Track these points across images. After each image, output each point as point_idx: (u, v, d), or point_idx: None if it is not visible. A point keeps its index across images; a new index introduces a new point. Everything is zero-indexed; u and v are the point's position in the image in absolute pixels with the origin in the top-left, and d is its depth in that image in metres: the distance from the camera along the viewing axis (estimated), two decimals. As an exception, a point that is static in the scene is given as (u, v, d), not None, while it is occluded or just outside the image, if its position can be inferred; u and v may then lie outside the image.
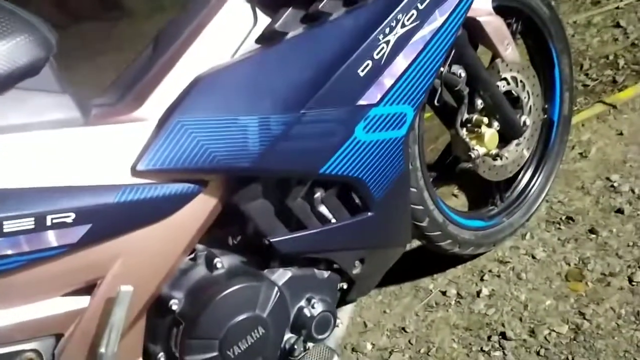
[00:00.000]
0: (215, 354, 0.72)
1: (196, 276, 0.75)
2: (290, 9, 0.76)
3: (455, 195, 1.45)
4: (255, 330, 0.75)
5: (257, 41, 0.76)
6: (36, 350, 0.62)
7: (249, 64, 0.73)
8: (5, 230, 0.55)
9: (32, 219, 0.57)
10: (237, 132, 0.70)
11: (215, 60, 0.73)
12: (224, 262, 0.76)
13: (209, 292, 0.73)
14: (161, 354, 0.73)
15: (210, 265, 0.76)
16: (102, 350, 0.63)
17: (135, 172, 0.65)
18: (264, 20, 0.76)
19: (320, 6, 0.75)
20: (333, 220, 0.82)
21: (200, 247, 0.78)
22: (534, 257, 1.22)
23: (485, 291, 1.17)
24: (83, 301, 0.65)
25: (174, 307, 0.72)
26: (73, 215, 0.59)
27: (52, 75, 0.64)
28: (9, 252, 0.56)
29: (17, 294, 0.60)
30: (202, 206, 0.72)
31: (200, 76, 0.70)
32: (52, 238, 0.59)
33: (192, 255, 0.77)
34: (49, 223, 0.58)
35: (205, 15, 0.75)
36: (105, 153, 0.64)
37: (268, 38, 0.75)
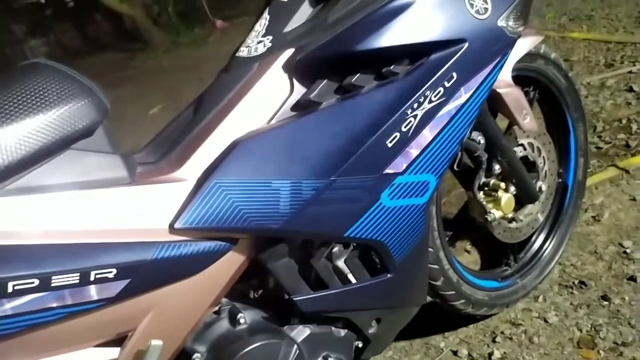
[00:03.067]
0: (234, 410, 0.74)
1: (220, 330, 0.78)
2: (325, 81, 0.81)
3: (468, 252, 1.47)
4: (275, 387, 0.77)
5: (293, 109, 0.80)
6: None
7: (285, 130, 0.77)
8: (52, 285, 0.59)
9: (78, 274, 0.60)
10: (269, 195, 0.73)
11: (252, 125, 0.78)
12: (246, 317, 0.79)
13: (232, 348, 0.75)
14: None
15: (234, 320, 0.78)
16: (129, 401, 0.65)
17: (172, 229, 0.68)
18: (299, 90, 0.82)
19: (353, 80, 0.81)
20: (353, 281, 0.85)
21: (224, 300, 0.80)
22: (546, 321, 1.23)
23: (497, 354, 1.17)
24: (113, 352, 0.67)
25: (195, 363, 0.74)
26: (115, 271, 0.63)
27: (104, 136, 0.69)
28: (54, 304, 0.60)
29: (54, 344, 0.63)
30: (231, 263, 0.75)
31: (238, 140, 0.75)
32: (93, 292, 0.62)
33: (216, 309, 0.79)
34: (92, 278, 0.61)
35: (246, 83, 0.81)
36: (147, 211, 0.68)
37: (303, 107, 0.80)
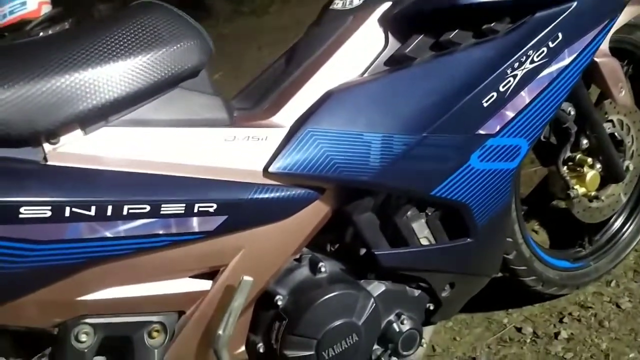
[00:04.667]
0: (311, 353, 0.76)
1: (300, 277, 0.79)
2: (421, 36, 0.79)
3: (536, 231, 1.42)
4: (350, 337, 0.78)
5: (387, 63, 0.80)
6: (162, 323, 0.68)
7: (378, 84, 0.77)
8: (161, 212, 0.62)
9: (184, 205, 0.63)
10: (360, 147, 0.73)
11: (346, 77, 0.78)
12: (326, 266, 0.80)
13: (312, 294, 0.77)
14: (260, 344, 0.77)
15: (314, 268, 0.80)
16: (220, 332, 0.68)
17: (266, 173, 0.70)
18: (394, 44, 0.80)
19: (450, 36, 0.78)
20: (433, 242, 0.84)
21: (304, 249, 0.82)
22: (618, 306, 1.18)
23: (564, 334, 1.14)
24: (206, 285, 0.71)
25: (279, 303, 0.77)
26: (215, 206, 0.65)
27: (207, 78, 0.70)
28: (160, 232, 0.63)
29: (155, 270, 0.66)
30: (317, 212, 0.76)
31: (332, 90, 0.75)
32: (195, 224, 0.65)
33: (297, 257, 0.81)
34: (195, 210, 0.64)
35: (341, 35, 0.80)
36: (243, 153, 0.70)
37: (397, 61, 0.79)
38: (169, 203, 0.62)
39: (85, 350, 0.64)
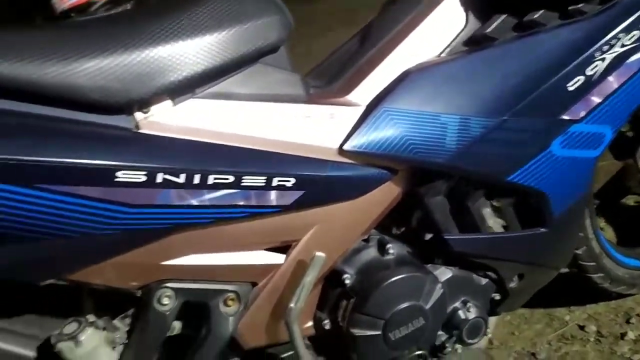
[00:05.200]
0: (378, 332, 0.76)
1: (368, 257, 0.79)
2: (503, 16, 0.77)
3: (602, 228, 1.36)
4: (417, 320, 0.77)
5: (466, 43, 0.77)
6: (237, 292, 0.70)
7: (457, 64, 0.75)
8: (242, 184, 0.63)
9: (265, 177, 0.64)
10: (436, 128, 0.72)
11: (424, 56, 0.76)
12: (394, 248, 0.80)
13: (380, 275, 0.77)
14: (326, 320, 0.78)
15: (382, 250, 0.80)
16: (292, 305, 0.69)
17: (341, 151, 0.70)
18: (474, 24, 0.78)
19: (535, 16, 0.76)
20: (503, 230, 0.82)
21: (372, 230, 0.82)
22: (692, 311, 1.12)
23: (631, 335, 1.09)
24: (278, 258, 0.72)
25: (347, 281, 0.77)
26: (293, 181, 0.66)
27: (285, 54, 0.71)
28: (241, 202, 0.64)
29: (231, 241, 0.68)
30: (388, 192, 0.76)
31: (410, 70, 0.74)
32: (273, 197, 0.66)
33: (365, 237, 0.81)
34: (274, 184, 0.65)
35: (419, 13, 0.79)
36: (320, 130, 0.70)
37: (478, 41, 0.77)
38: (250, 175, 0.63)
39: (167, 313, 0.66)
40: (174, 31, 0.61)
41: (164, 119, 0.62)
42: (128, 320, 0.69)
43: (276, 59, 0.70)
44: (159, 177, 0.58)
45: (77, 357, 0.62)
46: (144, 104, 0.61)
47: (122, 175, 0.56)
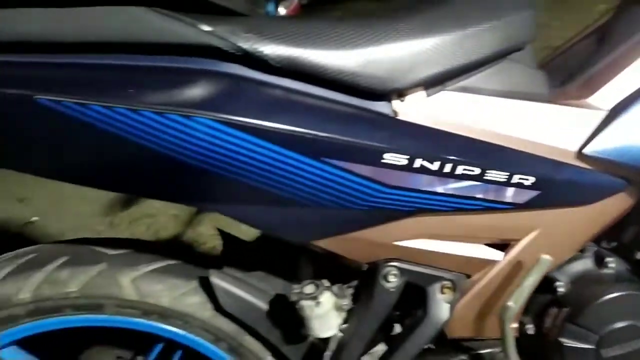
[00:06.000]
0: (591, 347, 0.73)
1: (584, 268, 0.77)
2: None
3: None
4: (634, 341, 0.73)
5: None
6: (453, 281, 0.72)
7: None
8: (485, 177, 0.64)
9: (507, 174, 0.65)
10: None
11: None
12: (614, 263, 0.76)
13: (599, 289, 0.74)
14: (530, 325, 0.77)
15: (600, 262, 0.76)
16: (511, 304, 0.69)
17: (581, 155, 0.68)
18: None
19: None
20: None
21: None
22: None
23: None
24: (496, 255, 0.72)
25: (560, 289, 0.75)
26: (532, 180, 0.65)
27: (531, 51, 0.70)
28: (479, 195, 0.65)
29: (460, 232, 0.69)
30: (619, 203, 0.72)
31: (663, 78, 0.69)
32: (510, 194, 0.66)
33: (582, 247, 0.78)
34: (514, 181, 0.65)
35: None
36: (560, 131, 0.69)
37: None
38: (494, 169, 0.64)
39: (393, 290, 0.70)
40: (437, 25, 0.64)
41: (418, 108, 0.65)
42: (350, 291, 0.74)
43: (522, 56, 0.70)
44: (417, 163, 0.62)
45: (314, 316, 0.69)
46: (401, 93, 0.65)
47: (388, 157, 0.60)
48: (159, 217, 1.94)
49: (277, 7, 0.79)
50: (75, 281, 0.70)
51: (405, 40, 0.62)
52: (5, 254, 0.75)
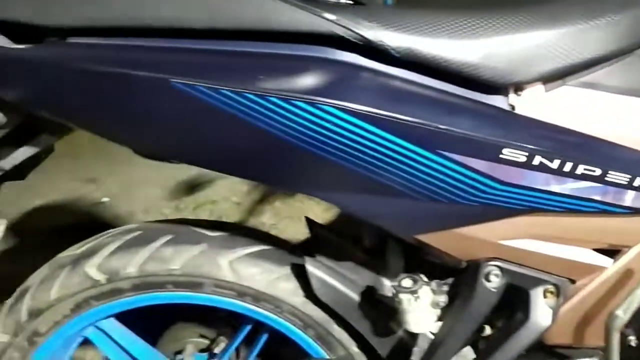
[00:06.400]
0: None
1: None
2: None
3: None
4: None
5: None
6: (556, 285, 0.70)
7: None
8: (605, 179, 0.61)
9: (629, 176, 0.61)
10: None
11: None
12: None
13: None
14: (632, 337, 0.73)
15: None
16: (619, 313, 0.66)
17: None
18: None
19: None
20: None
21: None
22: None
23: None
24: (604, 261, 0.69)
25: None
26: (657, 185, 0.62)
27: None
28: (597, 198, 0.62)
29: (569, 234, 0.67)
30: None
31: None
32: (629, 198, 0.63)
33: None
34: (636, 184, 0.62)
35: None
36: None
37: None
38: (616, 171, 0.61)
39: (494, 290, 0.69)
40: (561, 16, 0.61)
41: (536, 103, 0.63)
42: (446, 288, 0.73)
43: None
44: (536, 160, 0.59)
45: (411, 309, 0.68)
46: (520, 87, 0.63)
47: (507, 153, 0.59)
48: (221, 203, 1.99)
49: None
50: (178, 259, 0.72)
51: (529, 31, 0.60)
52: (111, 230, 0.78)
